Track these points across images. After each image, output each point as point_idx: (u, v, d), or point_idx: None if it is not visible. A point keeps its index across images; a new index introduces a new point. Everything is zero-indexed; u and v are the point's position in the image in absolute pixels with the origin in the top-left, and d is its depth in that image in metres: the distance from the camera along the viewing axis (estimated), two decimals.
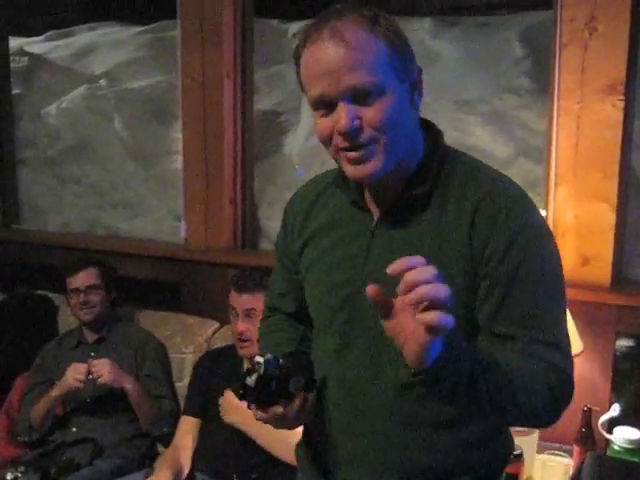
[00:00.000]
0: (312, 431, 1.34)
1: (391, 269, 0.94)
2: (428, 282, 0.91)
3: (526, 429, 2.10)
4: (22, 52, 4.03)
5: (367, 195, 1.25)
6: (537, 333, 1.13)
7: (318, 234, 1.31)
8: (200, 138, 2.90)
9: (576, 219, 2.30)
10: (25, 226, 3.70)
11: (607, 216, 2.27)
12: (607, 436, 2.12)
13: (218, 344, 2.67)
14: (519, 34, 3.04)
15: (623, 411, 2.20)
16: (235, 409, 2.19)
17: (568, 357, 1.16)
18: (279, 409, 1.20)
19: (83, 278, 2.64)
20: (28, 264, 3.31)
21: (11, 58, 3.80)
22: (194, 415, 2.40)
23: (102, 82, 3.77)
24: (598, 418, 2.16)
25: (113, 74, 3.79)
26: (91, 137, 3.59)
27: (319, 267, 1.30)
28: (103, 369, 2.43)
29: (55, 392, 2.48)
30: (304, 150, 3.08)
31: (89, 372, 2.43)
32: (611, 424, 2.16)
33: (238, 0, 2.84)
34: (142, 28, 4.15)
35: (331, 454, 1.31)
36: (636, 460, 2.03)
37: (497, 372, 1.07)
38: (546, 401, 1.12)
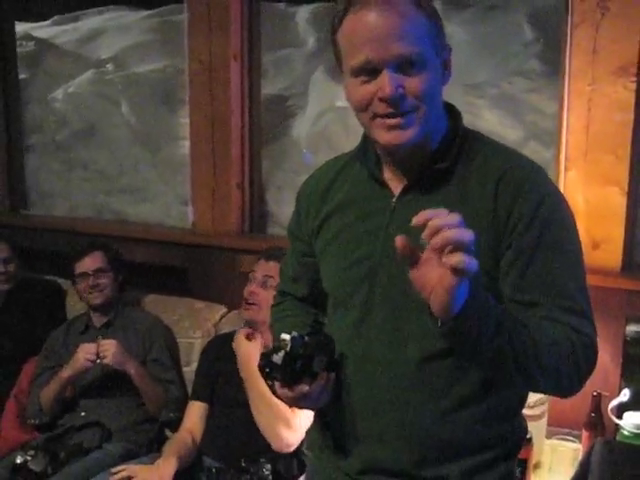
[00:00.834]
0: (329, 411, 1.33)
1: (416, 220, 0.97)
2: (452, 227, 0.94)
3: (536, 413, 2.09)
4: (29, 37, 4.01)
5: (386, 171, 1.27)
6: (562, 300, 1.15)
7: (337, 211, 1.32)
8: (207, 122, 2.89)
9: (586, 203, 2.28)
10: (33, 211, 3.70)
11: (618, 200, 2.25)
12: (617, 421, 2.11)
13: (226, 329, 2.67)
14: (529, 16, 3.01)
15: (633, 396, 2.18)
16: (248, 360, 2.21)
17: (592, 323, 1.18)
18: (305, 387, 1.21)
19: (90, 262, 2.65)
20: (36, 249, 3.31)
21: (18, 43, 3.78)
22: (202, 400, 2.40)
23: (109, 66, 3.75)
24: (608, 403, 2.15)
25: (120, 58, 3.77)
26: (98, 122, 3.58)
27: (338, 243, 1.31)
28: (108, 350, 2.44)
29: (66, 373, 2.49)
30: (311, 134, 3.06)
31: (97, 353, 2.45)
32: (621, 409, 2.15)
33: None
34: (149, 12, 4.13)
35: (349, 433, 1.30)
36: None
37: (522, 330, 1.08)
38: (570, 365, 1.13)
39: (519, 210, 1.16)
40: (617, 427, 2.13)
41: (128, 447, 2.46)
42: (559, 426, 2.26)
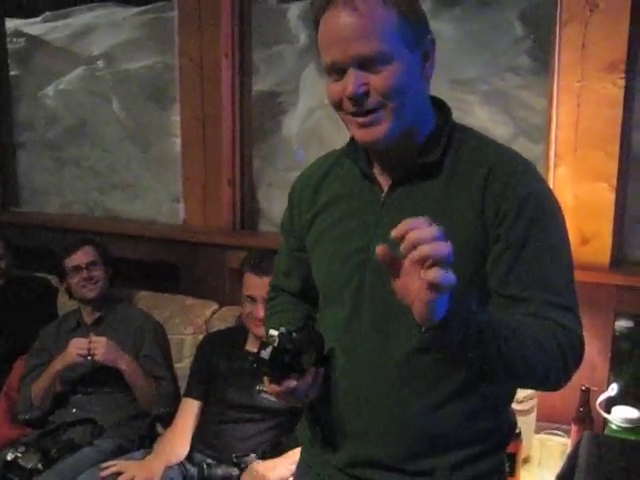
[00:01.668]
0: (318, 405, 1.34)
1: (395, 231, 0.96)
2: (430, 241, 0.93)
3: (525, 408, 2.10)
4: (19, 33, 3.99)
5: (376, 166, 1.28)
6: (548, 296, 1.15)
7: (328, 207, 1.33)
8: (198, 119, 2.89)
9: (576, 198, 2.29)
10: (24, 208, 3.70)
11: (607, 195, 2.26)
12: (605, 415, 2.12)
13: (217, 325, 2.68)
14: (519, 13, 3.01)
15: (621, 391, 2.20)
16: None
17: (578, 319, 1.18)
18: (292, 382, 1.22)
19: (82, 256, 2.65)
20: (28, 246, 3.30)
21: (8, 39, 3.77)
22: (196, 397, 2.41)
23: (100, 63, 3.73)
24: (596, 398, 2.16)
25: (111, 55, 3.76)
26: (89, 119, 3.57)
27: (329, 238, 1.31)
28: (99, 347, 2.44)
29: (56, 367, 2.49)
30: (303, 131, 3.06)
31: (89, 349, 2.44)
32: (609, 404, 2.16)
33: None
34: (140, 9, 4.11)
35: (338, 427, 1.31)
36: (633, 439, 2.03)
37: (507, 330, 1.08)
38: (557, 362, 1.13)
39: (507, 205, 1.16)
40: (605, 421, 2.14)
41: (119, 443, 2.46)
42: (548, 421, 2.27)
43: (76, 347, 2.46)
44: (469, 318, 1.03)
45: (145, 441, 2.54)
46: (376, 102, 1.15)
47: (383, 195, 1.25)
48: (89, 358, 2.47)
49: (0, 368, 2.78)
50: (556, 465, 2.07)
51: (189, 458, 2.32)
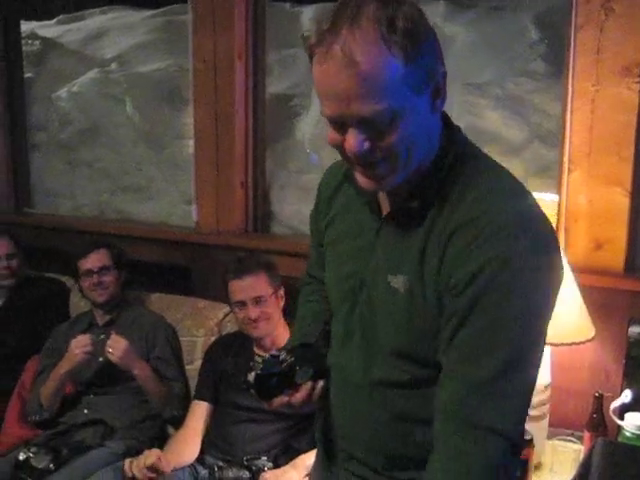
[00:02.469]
0: (318, 415, 1.39)
1: None
2: None
3: (537, 414, 2.09)
4: (34, 36, 4.02)
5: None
6: (476, 379, 1.03)
7: (338, 216, 1.31)
8: (211, 121, 2.89)
9: (590, 203, 2.28)
10: (37, 210, 3.72)
11: (621, 200, 2.24)
12: (618, 422, 2.11)
13: (229, 327, 2.68)
14: (534, 17, 3.00)
15: (635, 397, 2.18)
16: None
17: (511, 409, 1.05)
18: (283, 399, 1.25)
19: (95, 259, 2.65)
20: (40, 247, 3.32)
21: (23, 42, 3.80)
22: (206, 400, 2.41)
23: (113, 66, 3.76)
24: (609, 404, 2.14)
25: (124, 58, 3.78)
26: (102, 121, 3.59)
27: (334, 253, 1.31)
28: (118, 348, 2.44)
29: (63, 368, 2.50)
30: (315, 134, 3.06)
31: (105, 348, 2.44)
32: (622, 410, 2.15)
33: None
34: (154, 11, 4.14)
35: (333, 431, 1.35)
36: None
37: None
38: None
39: (459, 273, 1.05)
40: (619, 428, 2.13)
41: (130, 444, 2.46)
42: (561, 427, 2.26)
43: (78, 346, 2.46)
44: None
45: (156, 443, 2.54)
46: (381, 157, 1.05)
47: (379, 223, 1.20)
48: (100, 359, 2.48)
49: (13, 368, 2.79)
50: (569, 472, 2.05)
51: (200, 460, 2.32)
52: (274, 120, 3.11)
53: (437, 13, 3.19)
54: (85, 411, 2.57)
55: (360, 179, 1.11)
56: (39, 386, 2.59)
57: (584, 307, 2.13)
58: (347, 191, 1.29)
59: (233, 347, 2.44)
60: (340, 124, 1.05)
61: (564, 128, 2.29)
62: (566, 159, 2.29)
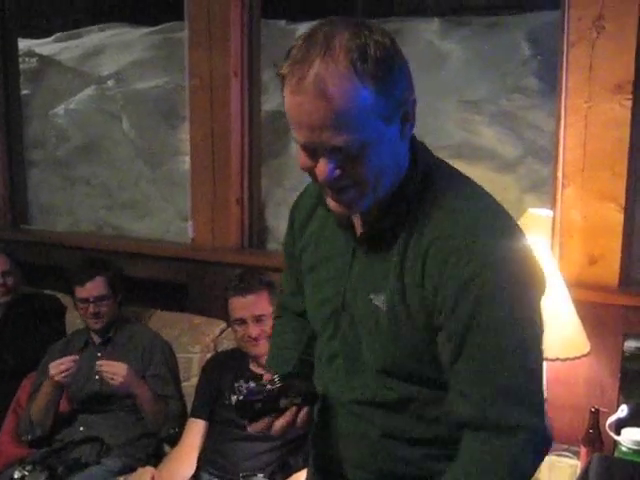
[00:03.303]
0: (311, 434, 1.39)
1: None
2: None
3: None
4: (31, 53, 4.05)
5: None
6: (492, 392, 1.07)
7: (311, 243, 1.32)
8: (207, 138, 2.90)
9: (584, 219, 2.29)
10: (34, 226, 3.72)
11: (615, 216, 2.25)
12: (615, 437, 2.11)
13: (225, 344, 2.67)
14: (527, 34, 3.04)
15: (631, 412, 2.18)
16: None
17: (534, 408, 1.10)
18: (264, 423, 1.23)
19: (91, 289, 2.61)
20: (36, 264, 3.32)
21: (20, 59, 3.82)
22: (202, 418, 2.40)
23: (110, 83, 3.78)
24: (606, 419, 2.14)
25: (121, 75, 3.80)
26: (99, 137, 3.60)
27: (312, 279, 1.32)
28: (118, 374, 2.42)
29: (45, 388, 2.49)
30: None
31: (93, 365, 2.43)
32: (619, 425, 2.15)
33: (245, 1, 2.85)
34: (150, 29, 4.17)
35: (323, 451, 1.35)
36: None
37: None
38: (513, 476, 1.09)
39: (444, 290, 1.07)
40: (615, 443, 2.13)
41: (126, 462, 2.45)
42: (557, 442, 2.25)
43: (56, 371, 2.42)
44: None
45: (152, 460, 2.53)
46: (351, 183, 1.08)
47: (354, 244, 1.21)
48: (97, 377, 2.47)
49: (8, 385, 2.78)
50: None
51: (196, 478, 2.31)
52: (269, 137, 3.13)
53: (432, 30, 3.22)
54: (81, 428, 2.56)
55: (331, 203, 1.14)
56: (31, 405, 2.57)
57: (579, 322, 2.14)
58: (320, 215, 1.29)
59: (230, 364, 2.43)
60: (312, 150, 1.07)
61: (558, 144, 2.31)
62: (560, 175, 2.31)
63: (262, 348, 2.26)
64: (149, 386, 2.54)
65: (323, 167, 1.07)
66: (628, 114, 2.20)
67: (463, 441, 1.11)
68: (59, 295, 3.09)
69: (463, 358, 1.08)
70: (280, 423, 1.23)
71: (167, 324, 2.84)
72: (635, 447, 2.04)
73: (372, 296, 1.17)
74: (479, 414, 1.08)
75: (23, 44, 3.95)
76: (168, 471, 2.27)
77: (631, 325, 2.27)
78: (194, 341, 2.75)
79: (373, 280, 1.17)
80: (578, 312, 2.12)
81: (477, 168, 2.63)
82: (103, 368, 2.43)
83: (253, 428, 1.25)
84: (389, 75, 1.03)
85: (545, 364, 2.10)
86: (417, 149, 1.17)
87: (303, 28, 3.68)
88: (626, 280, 2.34)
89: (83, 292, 2.62)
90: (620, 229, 2.26)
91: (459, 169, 1.21)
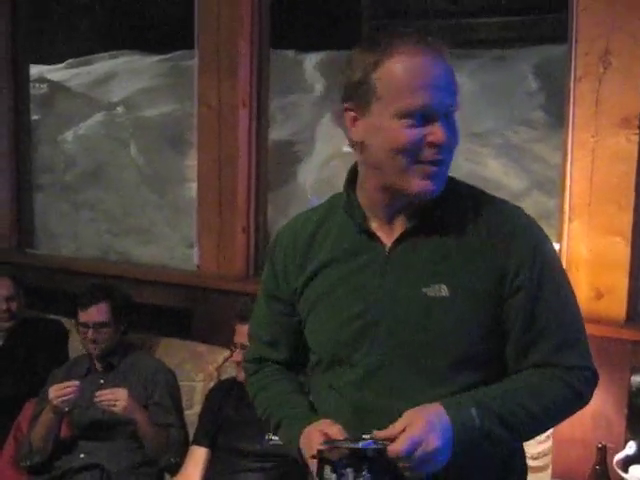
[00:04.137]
0: None
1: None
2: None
3: (539, 465, 2.07)
4: (42, 79, 4.09)
5: (373, 222, 1.26)
6: (565, 335, 1.22)
7: (325, 267, 1.29)
8: (215, 166, 2.92)
9: (590, 252, 2.28)
10: (40, 251, 3.72)
11: (621, 250, 2.25)
12: (622, 475, 2.08)
13: (228, 372, 2.66)
14: (534, 67, 3.06)
15: (639, 449, 2.16)
16: None
17: (589, 349, 1.27)
18: None
19: (93, 314, 2.59)
20: (41, 288, 3.32)
21: (31, 85, 3.85)
22: (204, 446, 2.38)
23: (119, 109, 3.82)
24: (613, 456, 2.12)
25: (130, 102, 3.84)
26: (107, 163, 3.63)
27: (331, 300, 1.28)
28: (120, 400, 2.39)
29: (46, 414, 2.46)
30: (318, 180, 3.09)
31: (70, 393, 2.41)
32: (627, 462, 2.12)
33: (254, 31, 2.88)
34: (160, 57, 4.22)
35: None
36: None
37: (519, 413, 1.17)
38: (572, 406, 1.26)
39: (518, 256, 1.20)
40: None
41: None
42: (563, 478, 2.22)
43: (57, 395, 2.40)
44: (479, 436, 1.13)
45: None
46: (446, 154, 1.18)
47: (386, 251, 1.24)
48: (96, 399, 2.45)
49: (10, 411, 2.76)
50: None
51: None
52: (276, 166, 3.14)
53: None
54: (81, 455, 2.53)
55: (420, 183, 1.18)
56: (31, 431, 2.55)
57: None
58: (328, 242, 1.30)
59: (233, 392, 2.41)
60: (428, 116, 1.15)
61: (564, 178, 2.31)
62: (567, 208, 2.31)
63: None
64: (151, 414, 2.52)
65: (441, 130, 1.15)
66: (635, 148, 2.20)
67: (523, 373, 1.23)
68: (63, 320, 3.08)
69: (538, 310, 1.20)
70: None
71: (170, 351, 2.83)
72: None
73: (426, 289, 1.20)
74: (545, 360, 1.21)
75: (34, 70, 3.99)
76: None
77: (638, 360, 2.25)
78: (197, 369, 2.74)
79: (425, 273, 1.21)
80: None
81: None
82: (102, 399, 2.40)
83: None
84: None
85: None
86: None
87: (311, 58, 3.73)
88: (633, 314, 2.32)
89: (84, 316, 2.60)
90: (627, 263, 2.25)
91: None
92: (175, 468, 2.45)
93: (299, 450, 1.24)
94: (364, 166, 1.25)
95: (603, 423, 2.26)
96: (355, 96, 1.19)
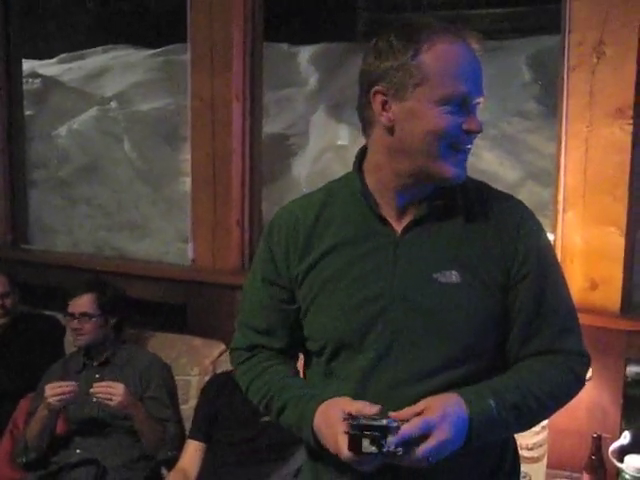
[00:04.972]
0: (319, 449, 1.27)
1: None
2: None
3: (534, 455, 2.07)
4: (35, 74, 4.07)
5: (384, 208, 1.28)
6: (563, 322, 1.28)
7: (329, 254, 1.28)
8: (208, 160, 2.91)
9: (585, 243, 2.28)
10: (34, 246, 3.71)
11: (616, 240, 2.25)
12: (618, 464, 2.08)
13: (224, 366, 2.66)
14: (528, 58, 3.06)
15: (634, 439, 2.16)
16: None
17: (581, 333, 1.32)
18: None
19: (79, 304, 2.60)
20: (36, 284, 3.31)
21: (24, 80, 3.83)
22: (199, 439, 2.38)
23: (113, 104, 3.80)
24: (608, 446, 2.13)
25: (124, 96, 3.83)
26: (101, 158, 3.61)
27: (336, 286, 1.27)
28: (116, 395, 2.39)
29: (41, 412, 2.46)
30: (312, 173, 3.09)
31: (98, 393, 2.41)
32: (622, 452, 2.12)
33: (248, 24, 2.86)
34: (153, 51, 4.21)
35: (337, 471, 1.27)
36: None
37: (528, 399, 1.21)
38: (572, 389, 1.30)
39: (523, 244, 1.26)
40: (618, 470, 2.10)
41: None
42: (559, 468, 2.23)
43: (53, 394, 2.39)
44: (492, 424, 1.17)
45: None
46: (472, 144, 1.25)
47: (397, 235, 1.26)
48: (95, 400, 2.44)
49: (6, 407, 2.76)
50: None
51: None
52: (270, 159, 3.14)
53: None
54: (78, 451, 2.53)
55: (452, 169, 1.22)
56: (27, 428, 2.55)
57: None
58: (332, 227, 1.29)
59: (229, 385, 2.41)
60: (462, 106, 1.19)
61: (559, 168, 2.31)
62: (561, 199, 2.31)
63: None
64: (146, 408, 2.52)
65: (476, 119, 1.22)
66: (629, 138, 2.20)
67: (529, 361, 1.27)
68: (58, 316, 3.08)
69: (544, 297, 1.25)
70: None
71: (166, 346, 2.82)
72: (638, 475, 2.02)
73: (437, 275, 1.23)
74: (547, 346, 1.26)
75: (27, 65, 3.97)
76: None
77: (633, 350, 2.26)
78: (193, 363, 2.74)
79: (436, 259, 1.24)
80: None
81: None
82: (98, 391, 2.40)
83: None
84: None
85: None
86: None
87: (305, 51, 3.71)
88: (628, 305, 2.33)
89: (71, 306, 2.62)
90: (621, 253, 2.26)
91: None
92: (171, 462, 2.45)
93: (312, 430, 1.22)
94: (387, 150, 1.24)
95: (598, 413, 2.27)
96: (389, 81, 1.20)
